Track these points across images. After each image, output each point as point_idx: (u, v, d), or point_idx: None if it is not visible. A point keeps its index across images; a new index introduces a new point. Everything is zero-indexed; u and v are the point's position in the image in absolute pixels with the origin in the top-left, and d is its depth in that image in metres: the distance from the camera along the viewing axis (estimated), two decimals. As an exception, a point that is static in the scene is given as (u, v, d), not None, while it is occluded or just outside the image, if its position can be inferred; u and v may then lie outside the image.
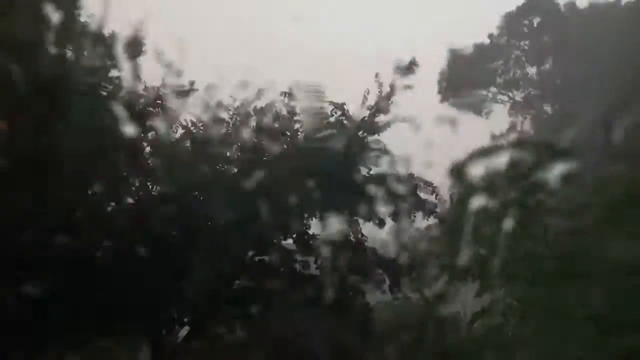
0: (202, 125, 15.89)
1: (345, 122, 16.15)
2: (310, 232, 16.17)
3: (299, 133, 16.21)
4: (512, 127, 38.74)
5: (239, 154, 16.03)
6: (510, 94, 39.17)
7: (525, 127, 38.80)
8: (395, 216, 15.97)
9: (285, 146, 16.06)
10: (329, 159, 15.23)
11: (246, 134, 15.91)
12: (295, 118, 16.18)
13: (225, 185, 15.27)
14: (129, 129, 14.07)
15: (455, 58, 38.04)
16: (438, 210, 16.18)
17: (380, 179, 15.76)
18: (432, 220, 16.99)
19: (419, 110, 16.45)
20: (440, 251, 13.78)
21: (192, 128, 15.82)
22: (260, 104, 16.10)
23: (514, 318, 12.38)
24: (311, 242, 16.03)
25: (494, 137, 38.75)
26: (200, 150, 15.60)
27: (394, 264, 16.21)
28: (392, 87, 15.98)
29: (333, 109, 16.03)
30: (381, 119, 16.03)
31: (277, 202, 14.91)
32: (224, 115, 15.95)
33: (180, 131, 15.87)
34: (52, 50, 13.38)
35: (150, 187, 15.54)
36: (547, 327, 10.80)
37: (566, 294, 10.14)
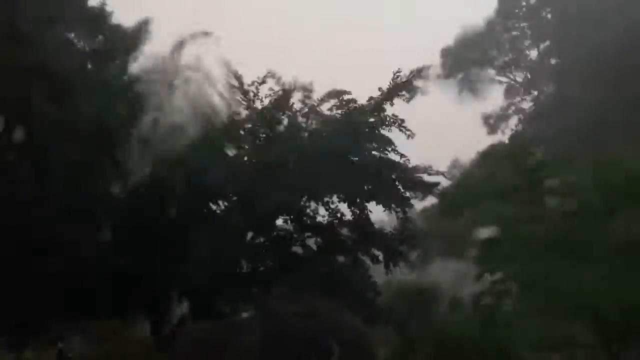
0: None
1: (353, 111, 16.15)
2: (312, 212, 16.24)
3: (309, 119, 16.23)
4: (508, 108, 38.74)
5: (249, 137, 16.05)
6: (510, 75, 39.02)
7: (524, 107, 38.79)
8: (395, 198, 16.04)
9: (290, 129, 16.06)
10: (336, 144, 15.25)
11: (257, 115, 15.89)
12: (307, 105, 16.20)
13: (231, 168, 15.30)
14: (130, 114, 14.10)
15: (460, 37, 37.82)
16: (436, 190, 16.25)
17: (384, 163, 15.82)
18: (430, 201, 17.13)
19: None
20: (440, 231, 13.84)
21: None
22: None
23: (512, 298, 12.47)
24: (312, 222, 16.11)
25: (487, 117, 38.77)
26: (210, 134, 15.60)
27: (390, 241, 16.30)
28: (396, 86, 16.01)
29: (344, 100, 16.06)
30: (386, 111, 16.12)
31: (282, 184, 14.94)
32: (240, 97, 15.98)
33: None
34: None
35: (152, 170, 15.54)
36: (545, 307, 10.88)
37: (564, 274, 10.21)
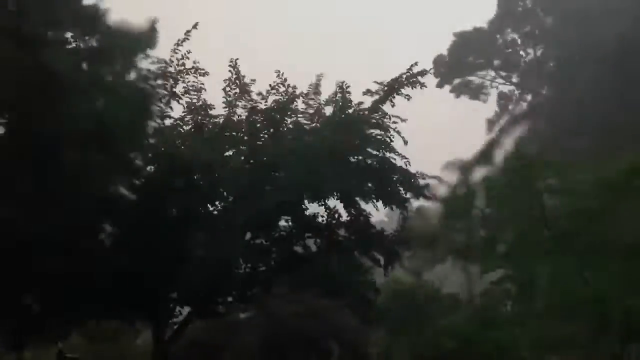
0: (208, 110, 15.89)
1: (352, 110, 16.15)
2: (311, 213, 16.24)
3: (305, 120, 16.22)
4: (506, 111, 38.79)
5: (247, 137, 16.03)
6: (507, 78, 39.06)
7: (522, 110, 38.81)
8: (393, 198, 16.04)
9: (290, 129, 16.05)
10: (334, 145, 15.24)
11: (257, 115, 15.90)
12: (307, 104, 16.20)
13: (230, 168, 15.29)
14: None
15: (455, 42, 37.83)
16: (432, 192, 16.25)
17: (384, 163, 15.82)
18: (424, 202, 17.15)
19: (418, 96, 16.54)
20: (440, 231, 13.86)
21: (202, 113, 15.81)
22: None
23: (512, 298, 12.51)
24: (312, 223, 16.11)
25: (488, 120, 38.87)
26: (209, 134, 15.58)
27: (390, 243, 16.30)
28: (391, 87, 15.98)
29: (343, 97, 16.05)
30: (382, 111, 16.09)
31: (282, 184, 14.92)
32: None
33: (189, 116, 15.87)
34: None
35: (153, 169, 15.54)
36: (545, 307, 10.93)
37: (565, 273, 10.26)
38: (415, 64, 16.06)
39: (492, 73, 39.99)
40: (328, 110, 16.07)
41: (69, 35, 13.69)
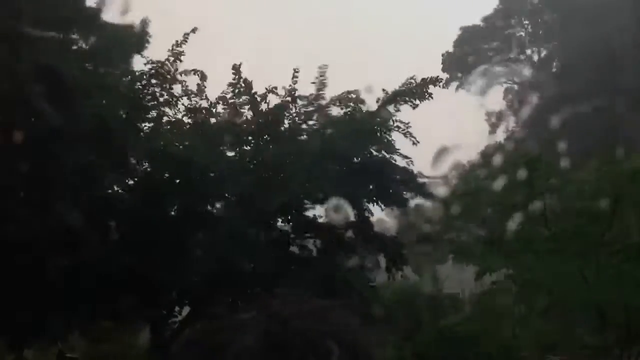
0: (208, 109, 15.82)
1: (355, 110, 16.08)
2: (310, 214, 16.21)
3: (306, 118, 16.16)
4: (509, 108, 38.74)
5: (245, 136, 15.98)
6: (511, 75, 39.03)
7: (525, 108, 38.71)
8: (395, 198, 16.00)
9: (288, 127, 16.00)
10: (336, 143, 15.20)
11: (255, 115, 15.84)
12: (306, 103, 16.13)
13: (229, 167, 15.25)
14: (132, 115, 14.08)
15: (460, 37, 37.81)
16: (433, 192, 16.19)
17: (383, 164, 15.78)
18: (426, 203, 17.10)
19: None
20: (440, 232, 13.80)
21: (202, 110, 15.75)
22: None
23: (513, 298, 12.44)
24: (311, 223, 16.08)
25: (490, 115, 38.80)
26: (207, 132, 15.52)
27: (392, 244, 16.25)
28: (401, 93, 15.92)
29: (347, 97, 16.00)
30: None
31: (279, 185, 14.89)
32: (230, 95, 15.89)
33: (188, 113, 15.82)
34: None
35: (151, 169, 15.52)
36: (544, 306, 10.87)
37: (566, 273, 10.17)
38: (412, 78, 15.97)
39: (497, 69, 39.96)
40: (334, 110, 16.03)
41: (69, 35, 13.69)
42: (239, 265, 15.78)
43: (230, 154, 15.89)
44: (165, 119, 15.50)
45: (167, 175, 15.01)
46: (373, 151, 15.89)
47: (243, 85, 15.80)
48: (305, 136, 15.88)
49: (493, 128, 38.70)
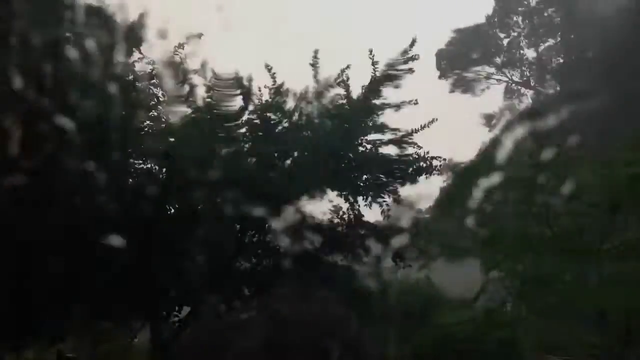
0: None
1: (344, 101, 16.06)
2: (307, 210, 16.20)
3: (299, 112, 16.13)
4: (507, 108, 38.78)
5: (241, 132, 15.96)
6: (508, 74, 39.06)
7: (522, 107, 38.82)
8: (393, 196, 16.00)
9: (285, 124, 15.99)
10: (328, 137, 15.18)
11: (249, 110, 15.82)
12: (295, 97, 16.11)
13: (225, 164, 15.23)
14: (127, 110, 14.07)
15: (456, 36, 37.84)
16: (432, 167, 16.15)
17: (379, 158, 15.76)
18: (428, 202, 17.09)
19: (417, 86, 16.42)
20: (440, 230, 13.80)
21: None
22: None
23: (513, 297, 12.44)
24: (311, 220, 16.07)
25: (487, 116, 38.84)
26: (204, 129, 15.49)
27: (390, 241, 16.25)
28: (386, 74, 15.85)
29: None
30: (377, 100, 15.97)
31: (275, 182, 14.89)
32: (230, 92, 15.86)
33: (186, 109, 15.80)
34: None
35: (149, 167, 15.52)
36: (545, 305, 10.87)
37: (567, 274, 10.18)
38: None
39: (491, 69, 40.03)
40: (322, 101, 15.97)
41: (69, 36, 13.69)
42: (237, 265, 15.81)
43: (229, 150, 15.87)
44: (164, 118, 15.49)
45: (167, 173, 15.01)
46: (366, 145, 15.80)
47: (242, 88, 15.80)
48: (297, 130, 15.82)
49: (490, 128, 38.78)
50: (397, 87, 15.73)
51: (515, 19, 37.45)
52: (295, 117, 15.92)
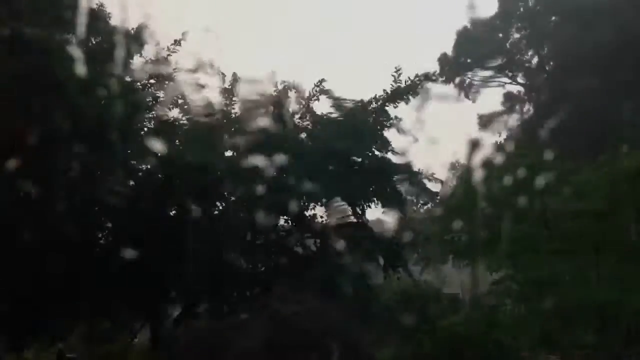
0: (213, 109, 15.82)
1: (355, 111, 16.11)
2: (310, 214, 16.22)
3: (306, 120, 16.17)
4: (508, 110, 38.76)
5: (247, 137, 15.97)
6: (509, 77, 38.99)
7: (523, 110, 38.73)
8: (398, 200, 16.00)
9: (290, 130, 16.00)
10: (337, 145, 15.21)
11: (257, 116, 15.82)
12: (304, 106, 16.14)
13: (229, 167, 15.24)
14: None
15: (459, 40, 37.79)
16: (438, 195, 16.23)
17: (385, 165, 15.79)
18: (431, 205, 17.12)
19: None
20: (442, 232, 13.80)
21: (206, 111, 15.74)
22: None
23: (513, 298, 12.44)
24: (311, 224, 16.07)
25: (484, 117, 38.79)
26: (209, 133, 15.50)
27: (390, 244, 16.25)
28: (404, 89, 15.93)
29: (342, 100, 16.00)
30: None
31: (280, 185, 14.88)
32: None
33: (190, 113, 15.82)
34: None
35: (150, 169, 15.52)
36: (546, 307, 10.87)
37: (567, 274, 10.18)
38: (399, 70, 15.94)
39: (493, 72, 39.94)
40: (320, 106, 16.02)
41: (70, 36, 13.70)
42: (238, 265, 15.80)
43: (230, 153, 15.89)
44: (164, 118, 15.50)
45: (167, 174, 15.01)
46: (375, 150, 15.88)
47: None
48: (305, 135, 15.88)
49: (491, 130, 38.73)
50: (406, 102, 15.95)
51: (517, 24, 37.44)
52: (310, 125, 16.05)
